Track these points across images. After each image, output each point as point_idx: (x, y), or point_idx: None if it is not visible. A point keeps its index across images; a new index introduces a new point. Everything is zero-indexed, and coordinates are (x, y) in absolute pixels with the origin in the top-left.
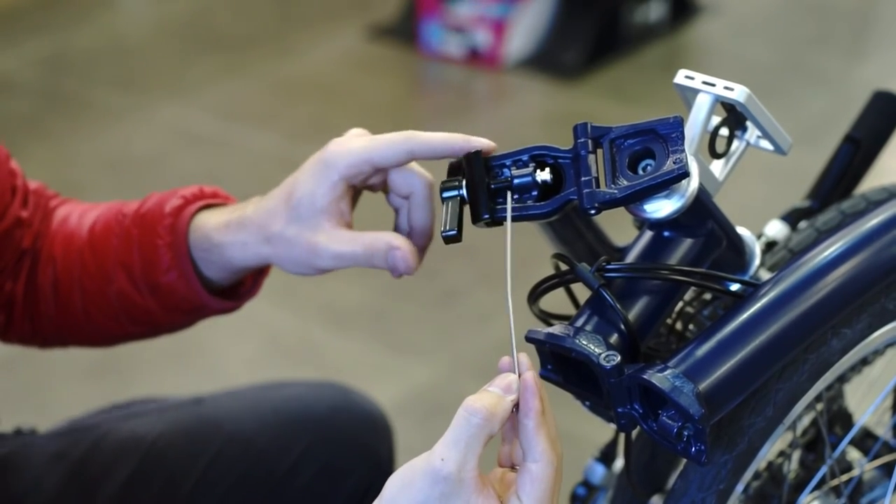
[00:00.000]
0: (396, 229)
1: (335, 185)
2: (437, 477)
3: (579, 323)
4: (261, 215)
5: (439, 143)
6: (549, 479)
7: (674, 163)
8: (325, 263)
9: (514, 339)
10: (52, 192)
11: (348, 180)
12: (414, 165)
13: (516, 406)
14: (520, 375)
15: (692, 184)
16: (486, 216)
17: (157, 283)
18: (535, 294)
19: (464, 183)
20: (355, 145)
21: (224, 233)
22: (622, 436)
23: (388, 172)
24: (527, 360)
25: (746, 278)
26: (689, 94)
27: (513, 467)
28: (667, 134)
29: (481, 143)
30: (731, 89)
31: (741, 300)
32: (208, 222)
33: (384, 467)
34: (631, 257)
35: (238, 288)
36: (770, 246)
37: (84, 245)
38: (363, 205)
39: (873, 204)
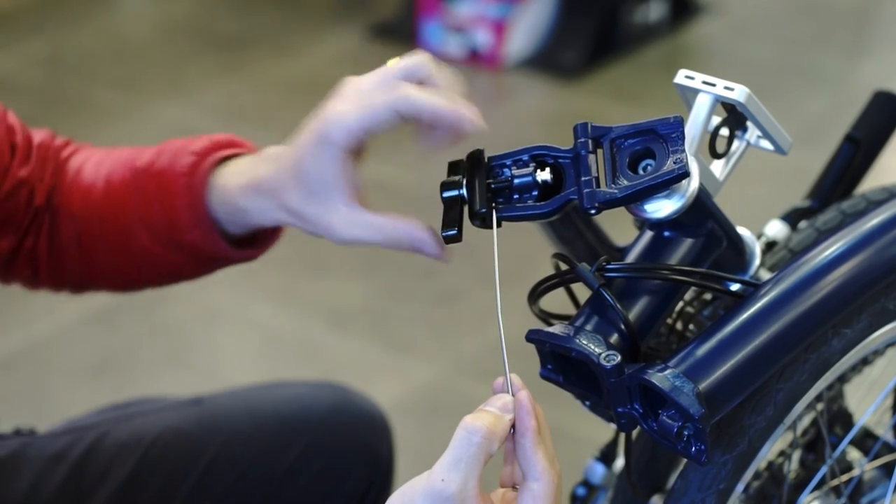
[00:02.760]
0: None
1: (338, 158)
2: (439, 498)
3: (579, 323)
4: (275, 182)
5: (429, 112)
6: (550, 497)
7: (674, 163)
8: (343, 243)
9: (506, 362)
10: (60, 140)
11: (350, 150)
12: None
13: (513, 426)
14: (514, 395)
15: (692, 184)
16: (486, 215)
17: (180, 240)
18: (536, 294)
19: (464, 182)
20: (350, 116)
21: (244, 198)
22: (622, 436)
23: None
24: (519, 381)
25: (747, 278)
26: (689, 94)
27: (514, 487)
28: (667, 134)
29: (472, 123)
30: (732, 89)
31: (741, 300)
32: (227, 184)
33: (384, 467)
34: (631, 257)
35: (259, 236)
36: (770, 246)
37: (102, 201)
38: None
39: (873, 204)
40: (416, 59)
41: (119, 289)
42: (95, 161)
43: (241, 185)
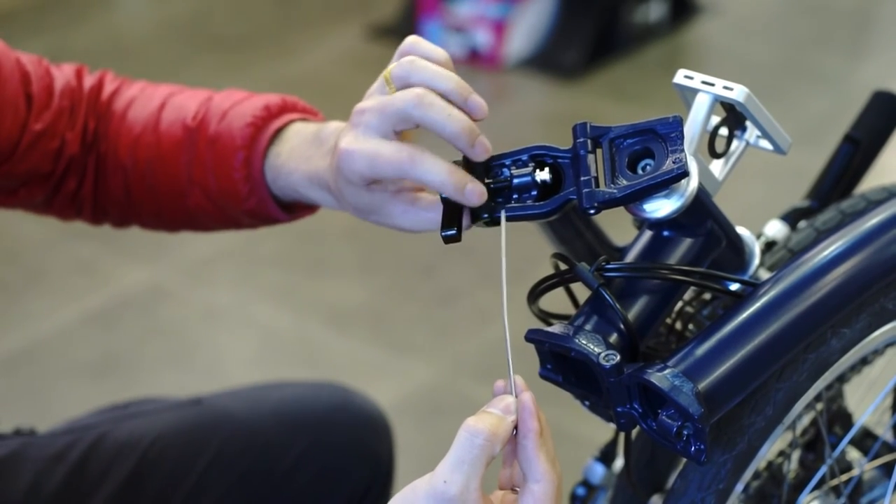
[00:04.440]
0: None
1: (366, 189)
2: (441, 500)
3: (579, 322)
4: (332, 182)
5: (433, 182)
6: (551, 499)
7: (673, 162)
8: (412, 231)
9: (510, 363)
10: (92, 79)
11: (372, 180)
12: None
13: (515, 428)
14: (516, 397)
15: (692, 183)
16: (485, 216)
17: (237, 208)
18: (535, 293)
19: None
20: (357, 159)
21: (304, 187)
22: (622, 435)
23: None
24: (522, 382)
25: (746, 278)
26: (688, 94)
27: (513, 489)
28: (666, 133)
29: (473, 196)
30: (731, 89)
31: (741, 300)
32: (286, 166)
33: (383, 468)
34: (630, 257)
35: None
36: (770, 246)
37: (154, 156)
38: None
39: (873, 203)
40: (406, 63)
41: (161, 229)
42: (141, 104)
43: (301, 172)
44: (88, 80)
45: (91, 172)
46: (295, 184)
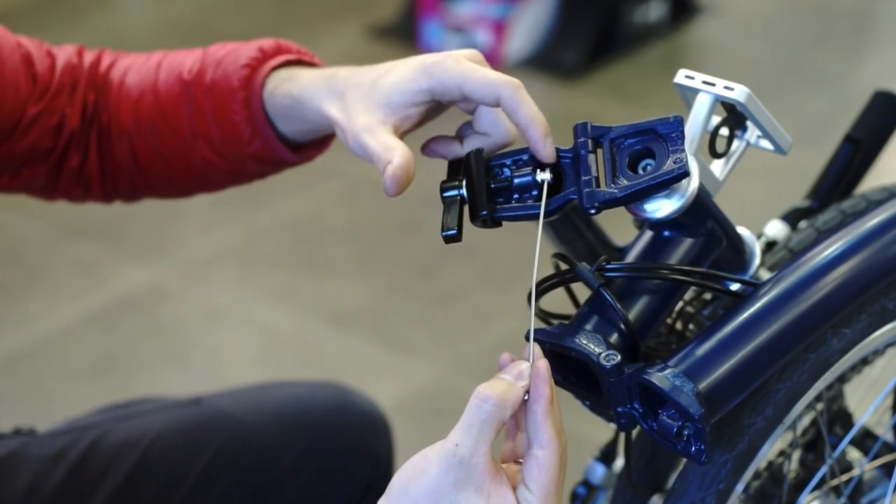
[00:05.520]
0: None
1: (420, 91)
2: (452, 462)
3: (579, 322)
4: (349, 82)
5: (521, 120)
6: (555, 466)
7: (674, 162)
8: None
9: (532, 326)
10: (91, 55)
11: (435, 94)
12: (503, 118)
13: (527, 394)
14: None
15: (692, 183)
16: (486, 215)
17: (242, 153)
18: (536, 294)
19: (464, 183)
20: (455, 68)
21: (321, 96)
22: (622, 435)
23: (478, 109)
24: (539, 351)
25: (746, 278)
26: (689, 94)
27: (516, 462)
28: (667, 133)
29: (546, 152)
30: (731, 89)
31: (741, 300)
32: (284, 83)
33: (383, 468)
34: (631, 257)
35: (315, 140)
36: (770, 246)
37: (154, 115)
38: None
39: (873, 203)
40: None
41: (175, 196)
42: (137, 70)
43: (315, 80)
44: (88, 57)
45: (94, 145)
46: (308, 97)
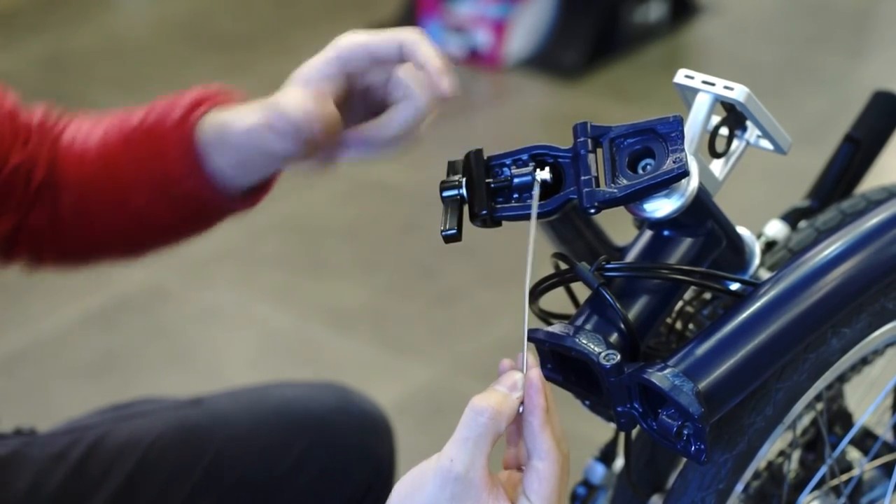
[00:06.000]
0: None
1: (329, 60)
2: (448, 478)
3: (579, 322)
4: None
5: (420, 58)
6: (556, 478)
7: (673, 162)
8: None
9: (526, 336)
10: (54, 115)
11: (344, 61)
12: (416, 80)
13: (522, 404)
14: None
15: (692, 183)
16: (485, 215)
17: (176, 192)
18: (535, 293)
19: (464, 182)
20: (360, 34)
21: (238, 108)
22: (622, 435)
23: (391, 78)
24: (533, 359)
25: (746, 278)
26: (688, 94)
27: (519, 469)
28: (666, 133)
29: (443, 86)
30: (731, 89)
31: (741, 299)
32: (217, 116)
33: (384, 469)
34: (631, 257)
35: (255, 187)
36: (770, 245)
37: (96, 165)
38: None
39: (873, 203)
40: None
41: (122, 255)
42: (87, 128)
43: (253, 113)
44: (54, 114)
45: (47, 201)
46: (236, 117)
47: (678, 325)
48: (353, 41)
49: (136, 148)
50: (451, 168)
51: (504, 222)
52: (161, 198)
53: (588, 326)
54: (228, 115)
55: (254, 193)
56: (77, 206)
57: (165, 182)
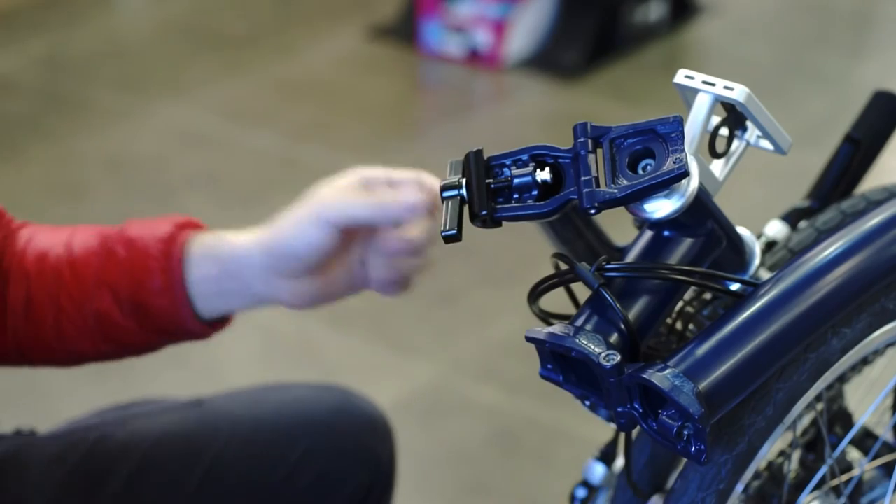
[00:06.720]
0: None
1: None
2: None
3: (579, 322)
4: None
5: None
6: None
7: (674, 162)
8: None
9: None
10: (9, 215)
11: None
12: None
13: None
14: None
15: (692, 183)
16: (485, 215)
17: (146, 304)
18: (535, 293)
19: (464, 183)
20: (334, 198)
21: (236, 234)
22: (622, 435)
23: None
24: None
25: (746, 278)
26: (688, 94)
27: None
28: (666, 133)
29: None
30: (731, 89)
31: (741, 300)
32: (211, 238)
33: (385, 471)
34: (631, 257)
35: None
36: (770, 246)
37: (62, 263)
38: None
39: (873, 203)
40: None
41: (58, 361)
42: (49, 230)
43: (256, 239)
44: (7, 214)
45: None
46: (241, 247)
47: (678, 325)
48: (346, 214)
49: (112, 253)
50: (452, 168)
51: (504, 223)
52: (127, 305)
53: (588, 327)
54: (224, 233)
55: (213, 324)
56: (28, 300)
57: (139, 291)
